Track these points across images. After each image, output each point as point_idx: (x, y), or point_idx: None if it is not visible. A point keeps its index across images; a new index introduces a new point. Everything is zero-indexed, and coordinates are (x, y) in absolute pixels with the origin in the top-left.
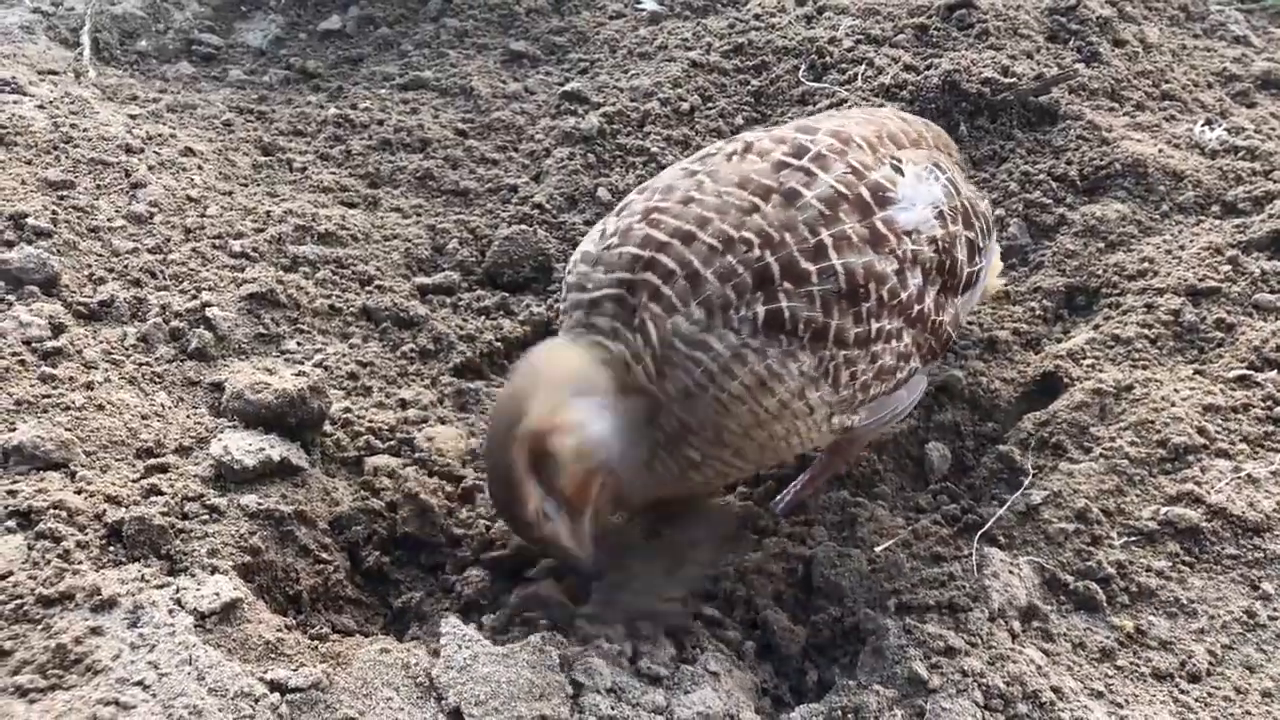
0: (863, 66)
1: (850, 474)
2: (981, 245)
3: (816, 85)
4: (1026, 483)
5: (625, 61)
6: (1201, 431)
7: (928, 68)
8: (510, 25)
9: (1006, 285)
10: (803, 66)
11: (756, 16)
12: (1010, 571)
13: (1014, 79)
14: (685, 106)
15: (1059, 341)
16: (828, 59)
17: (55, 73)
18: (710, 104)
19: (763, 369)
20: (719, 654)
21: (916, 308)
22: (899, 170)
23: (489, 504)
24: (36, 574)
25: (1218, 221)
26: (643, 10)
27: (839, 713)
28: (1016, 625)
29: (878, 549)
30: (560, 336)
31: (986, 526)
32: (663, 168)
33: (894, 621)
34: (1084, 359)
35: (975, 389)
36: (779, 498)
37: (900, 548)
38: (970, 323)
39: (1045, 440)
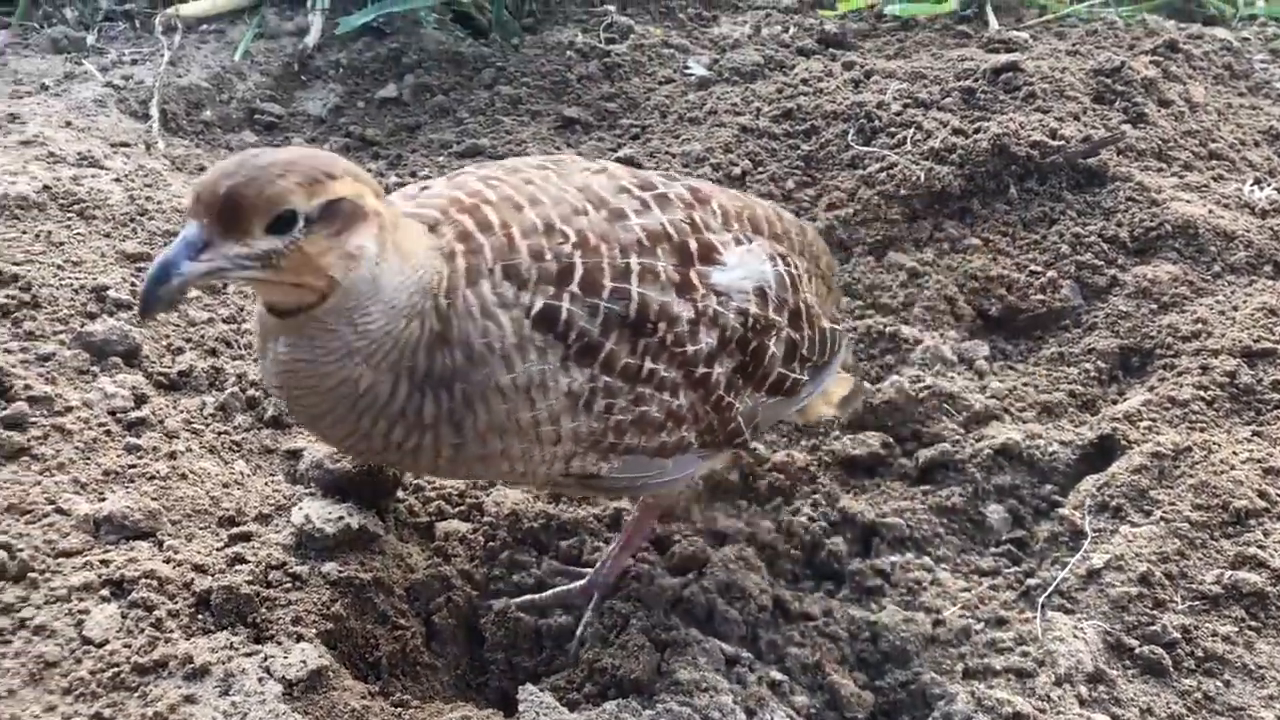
0: (911, 130)
1: (911, 536)
2: (810, 358)
3: (866, 149)
4: (1087, 546)
5: (676, 127)
6: (1262, 495)
7: (976, 131)
8: (562, 92)
9: (836, 414)
10: (851, 130)
11: (804, 81)
12: (1075, 636)
13: (1062, 141)
14: (737, 171)
15: (1114, 403)
16: (876, 123)
17: (127, 145)
18: (761, 168)
19: (536, 372)
20: (789, 718)
21: (702, 370)
22: (738, 242)
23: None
24: (131, 642)
25: (1270, 282)
26: (691, 76)
27: None
28: (1084, 690)
29: (944, 614)
30: None
31: (1050, 590)
32: None
33: (962, 687)
34: (1141, 421)
35: (1033, 451)
36: (598, 572)
37: (965, 612)
38: (1025, 384)
39: (1105, 503)
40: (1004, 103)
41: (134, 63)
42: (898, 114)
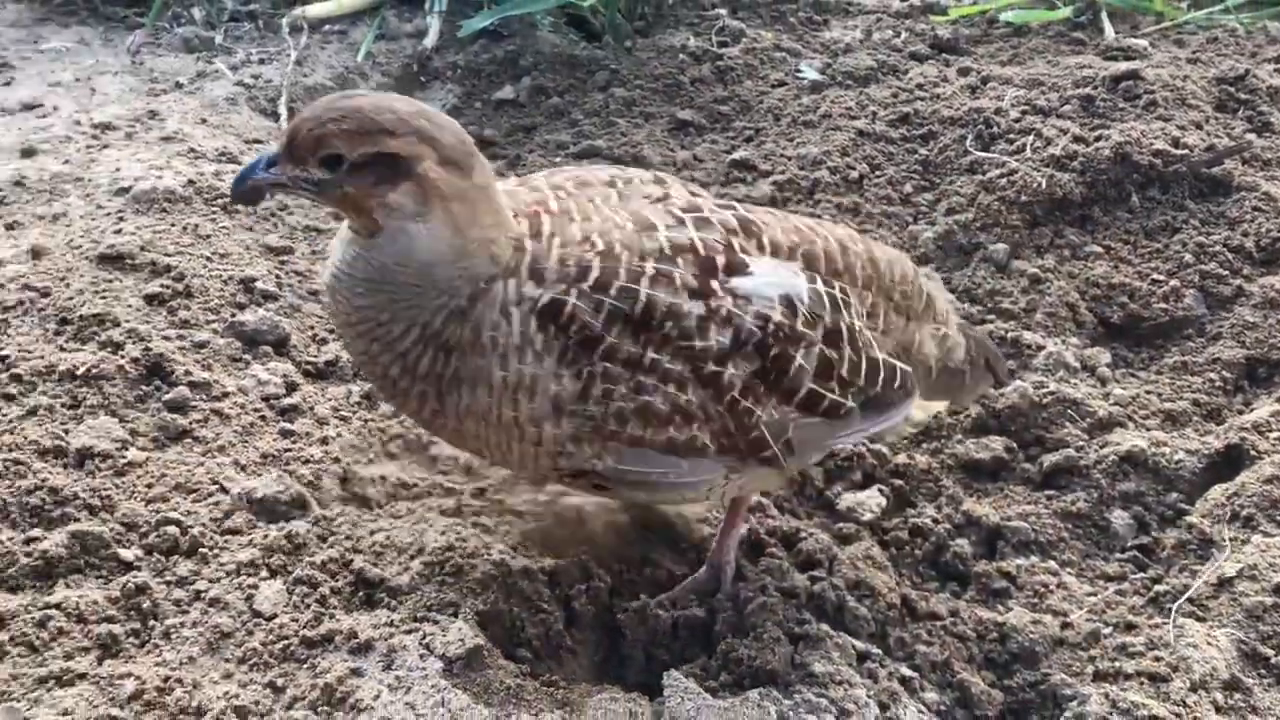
0: (1030, 137)
1: (1036, 540)
2: (853, 383)
3: (985, 155)
4: (1224, 555)
5: (790, 130)
6: None
7: (1097, 139)
8: (675, 94)
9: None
10: (970, 136)
11: (919, 86)
12: (1209, 643)
13: (1185, 150)
14: (854, 175)
15: (1240, 413)
16: (994, 129)
17: (260, 141)
18: (879, 172)
19: (528, 375)
20: (921, 714)
21: (712, 367)
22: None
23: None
24: (299, 617)
25: None
26: (803, 79)
27: None
28: (1219, 697)
29: (1071, 617)
30: None
31: (1184, 597)
32: None
33: (1094, 689)
34: (1269, 431)
35: (1158, 458)
36: (715, 555)
37: (1092, 616)
38: (1148, 392)
39: (1235, 512)
40: (1124, 111)
41: (261, 62)
42: (1016, 120)
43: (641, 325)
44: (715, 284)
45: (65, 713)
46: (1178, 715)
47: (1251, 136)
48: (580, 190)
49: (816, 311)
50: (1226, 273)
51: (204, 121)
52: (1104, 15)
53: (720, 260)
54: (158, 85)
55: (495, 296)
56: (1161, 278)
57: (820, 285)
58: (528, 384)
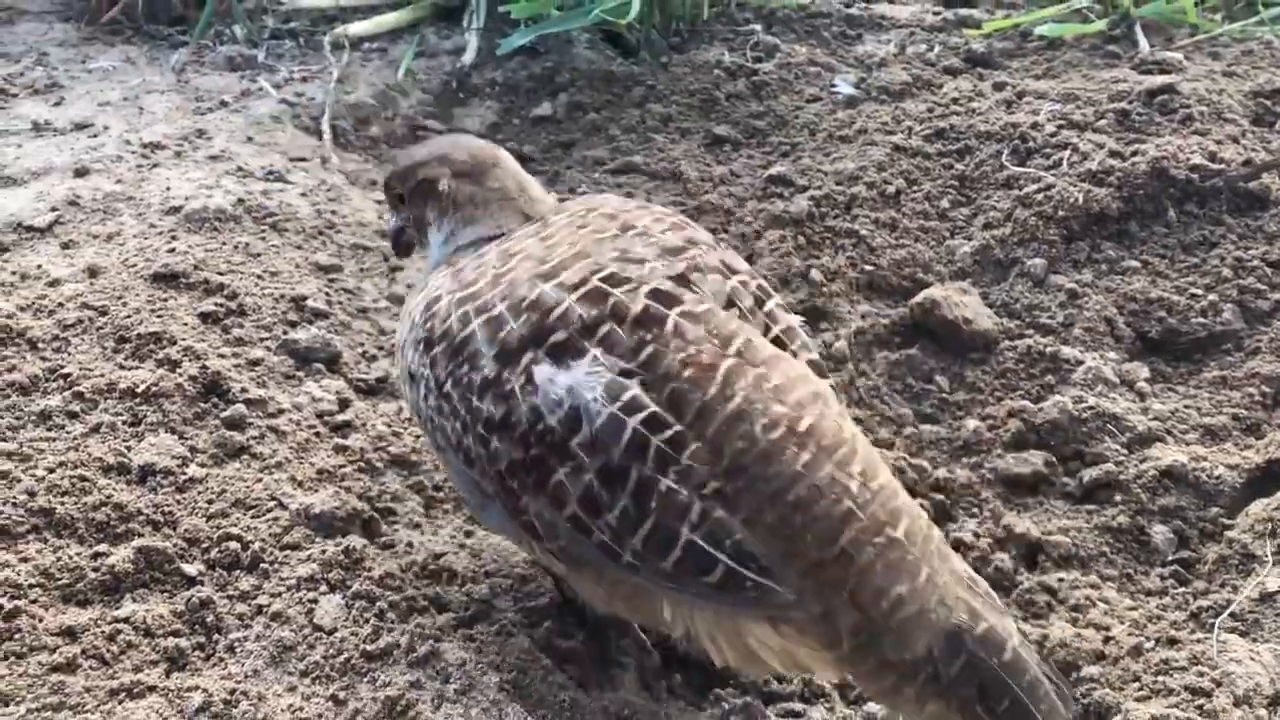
0: (1067, 152)
1: (1076, 554)
2: (617, 529)
3: (1021, 170)
4: (1266, 570)
5: (825, 145)
6: None
7: (1134, 154)
8: (711, 110)
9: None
10: (1005, 151)
11: (954, 101)
12: (1252, 658)
13: (1222, 164)
14: (891, 190)
15: None
16: (1030, 144)
17: (305, 160)
18: (915, 187)
19: (415, 371)
20: None
21: (481, 431)
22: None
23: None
24: (358, 631)
25: None
26: (838, 95)
27: None
28: (1264, 713)
29: (1113, 631)
30: None
31: (1226, 612)
32: (872, 250)
33: (1138, 704)
34: None
35: (1198, 473)
36: None
37: (1134, 630)
38: (1187, 407)
39: (1277, 527)
40: (1160, 125)
41: (304, 80)
42: (1052, 135)
43: (453, 355)
44: (527, 355)
45: None
46: None
47: None
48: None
49: (605, 441)
50: (1265, 287)
51: (250, 140)
52: (1138, 28)
53: (559, 336)
54: (203, 104)
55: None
56: (1199, 292)
57: (638, 417)
58: (414, 375)
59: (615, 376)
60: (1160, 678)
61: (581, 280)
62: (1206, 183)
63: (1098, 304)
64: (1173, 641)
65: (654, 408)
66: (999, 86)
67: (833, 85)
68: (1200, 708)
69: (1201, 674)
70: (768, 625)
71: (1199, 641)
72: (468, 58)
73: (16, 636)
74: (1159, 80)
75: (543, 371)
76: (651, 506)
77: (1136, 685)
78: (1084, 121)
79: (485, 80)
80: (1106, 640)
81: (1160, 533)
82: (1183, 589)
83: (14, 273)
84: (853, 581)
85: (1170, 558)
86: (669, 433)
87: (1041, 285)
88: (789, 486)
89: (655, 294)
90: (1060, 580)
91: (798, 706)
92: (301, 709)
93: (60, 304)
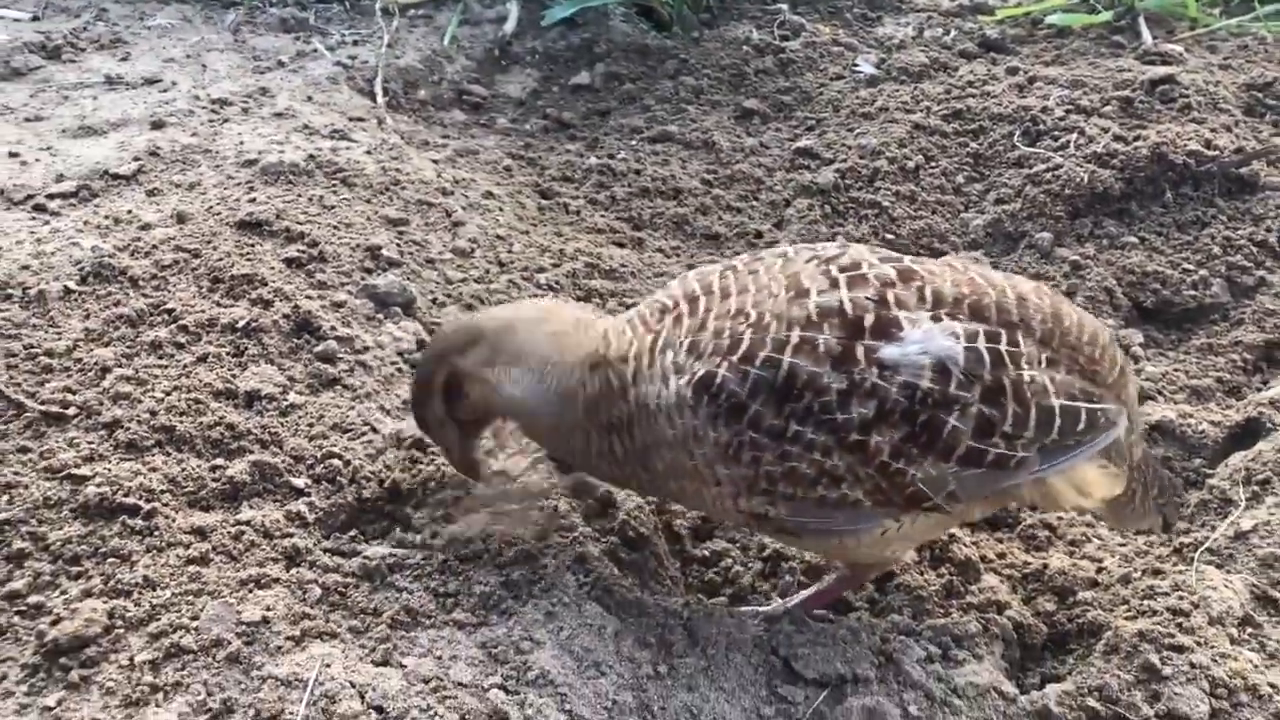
0: (1074, 135)
1: None
2: (1020, 435)
3: (1031, 150)
4: (1238, 511)
5: (849, 121)
6: None
7: (1135, 139)
8: (740, 84)
9: (1096, 509)
10: (1017, 132)
11: (969, 83)
12: (1226, 586)
13: (1216, 151)
14: (911, 165)
15: (1259, 390)
16: (1040, 126)
17: (362, 119)
18: (933, 163)
19: (690, 427)
20: (979, 641)
21: (856, 436)
22: (936, 320)
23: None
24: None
25: None
26: (860, 74)
27: (1085, 691)
28: (1235, 631)
29: (1105, 562)
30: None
31: (1205, 546)
32: (893, 220)
33: (1125, 622)
34: None
35: (1184, 428)
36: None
37: (1124, 562)
38: (1176, 370)
39: (1252, 475)
40: (1160, 113)
41: (355, 43)
42: (1060, 119)
43: (784, 396)
44: (860, 351)
45: (268, 608)
46: (1199, 643)
47: (1278, 140)
48: (752, 263)
49: (974, 372)
50: (1250, 264)
51: (310, 99)
52: (1141, 20)
53: (868, 320)
54: (262, 63)
55: (652, 371)
56: (1191, 267)
57: (982, 341)
58: (694, 434)
59: (946, 321)
60: (1146, 601)
61: (829, 278)
62: (1201, 168)
63: (1098, 275)
64: (1157, 572)
65: (987, 327)
66: (1011, 71)
67: (855, 65)
68: (1180, 625)
69: (1182, 598)
70: (1096, 464)
71: (1180, 572)
72: (509, 27)
73: (155, 533)
74: (1160, 71)
75: (891, 353)
76: (1027, 399)
77: (1125, 608)
78: (1090, 107)
79: (526, 49)
80: (1099, 570)
81: None
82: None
83: (107, 216)
84: (1127, 391)
85: None
86: (1004, 338)
87: (1048, 257)
88: (1080, 333)
89: (885, 260)
90: (1059, 519)
91: (830, 615)
92: (408, 602)
93: (155, 246)
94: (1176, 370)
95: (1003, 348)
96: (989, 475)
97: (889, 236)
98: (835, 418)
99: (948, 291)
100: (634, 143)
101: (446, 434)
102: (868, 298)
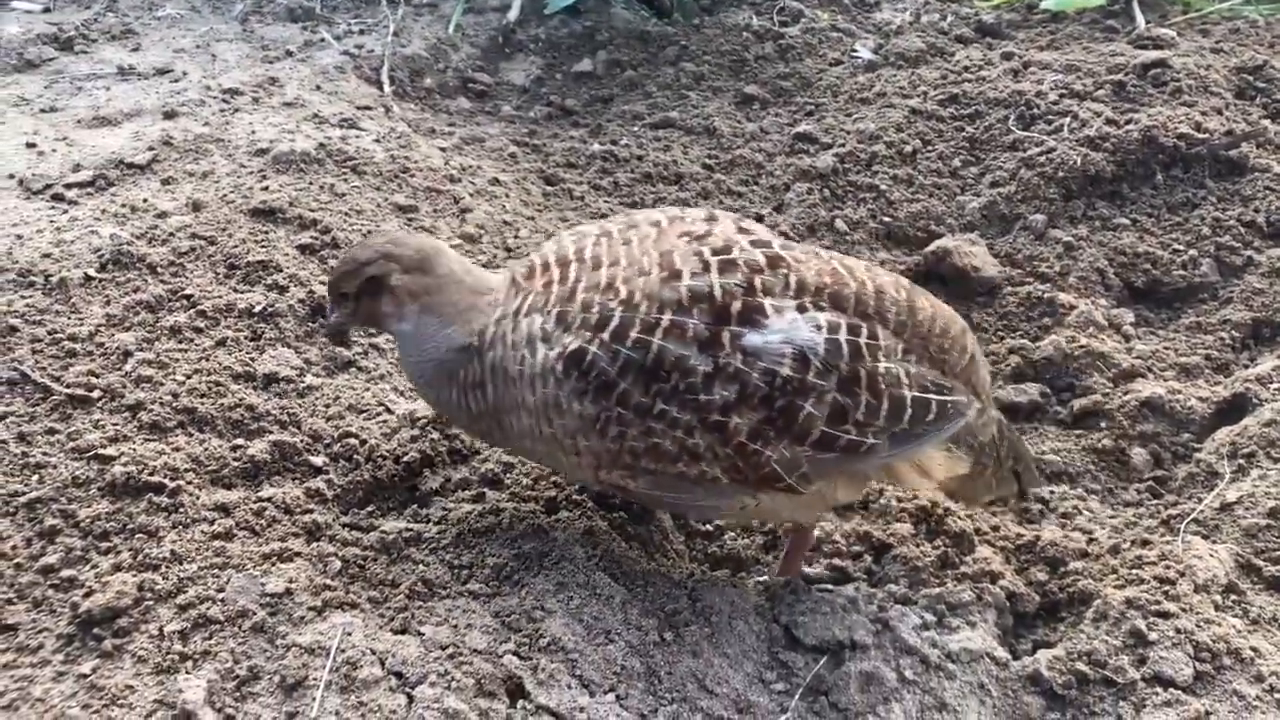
0: (1067, 119)
1: (1066, 471)
2: (872, 424)
3: (1025, 134)
4: (1224, 483)
5: (847, 106)
6: None
7: (1127, 122)
8: (740, 70)
9: (938, 492)
10: (1012, 117)
11: (965, 69)
12: (1211, 555)
13: (1206, 134)
14: (908, 149)
15: (1246, 367)
16: (1034, 110)
17: (369, 108)
18: (930, 147)
19: (553, 396)
20: (973, 609)
21: (717, 417)
22: (801, 310)
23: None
24: (472, 509)
25: None
26: (859, 59)
27: (1075, 655)
28: (1219, 598)
29: (1095, 534)
30: None
31: (1191, 517)
32: (891, 203)
33: (1114, 590)
34: (1271, 383)
35: (1173, 404)
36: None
37: (1114, 534)
38: (1166, 347)
39: (1238, 449)
40: (1152, 96)
41: (361, 33)
42: (1054, 103)
43: (652, 375)
44: (725, 335)
45: (290, 580)
46: (1184, 610)
47: (1267, 123)
48: (625, 231)
49: (832, 362)
50: (1239, 245)
51: (319, 88)
52: (1135, 4)
53: (735, 307)
54: (270, 53)
55: (514, 335)
56: (1181, 248)
57: (843, 333)
58: (554, 404)
59: (810, 312)
60: (1134, 570)
61: (701, 261)
62: (1192, 150)
63: (1091, 256)
64: (1145, 543)
65: (847, 319)
66: (1007, 56)
67: (853, 51)
68: (1166, 593)
69: (1169, 567)
70: (941, 449)
71: (1168, 543)
72: (512, 14)
73: (181, 510)
74: (1153, 55)
75: (754, 340)
76: (880, 389)
77: (1114, 576)
78: (1083, 91)
79: (529, 36)
80: (1090, 541)
81: (1139, 454)
82: (1156, 501)
83: (124, 205)
84: (978, 376)
85: (1146, 475)
86: (864, 331)
87: (1041, 238)
88: (932, 325)
89: (755, 244)
90: (1051, 493)
91: (829, 586)
92: (425, 574)
93: (172, 233)
94: (1166, 348)
95: (862, 340)
96: (840, 459)
97: (887, 219)
98: (699, 398)
99: (811, 280)
100: (636, 129)
101: (341, 310)
102: (736, 284)
